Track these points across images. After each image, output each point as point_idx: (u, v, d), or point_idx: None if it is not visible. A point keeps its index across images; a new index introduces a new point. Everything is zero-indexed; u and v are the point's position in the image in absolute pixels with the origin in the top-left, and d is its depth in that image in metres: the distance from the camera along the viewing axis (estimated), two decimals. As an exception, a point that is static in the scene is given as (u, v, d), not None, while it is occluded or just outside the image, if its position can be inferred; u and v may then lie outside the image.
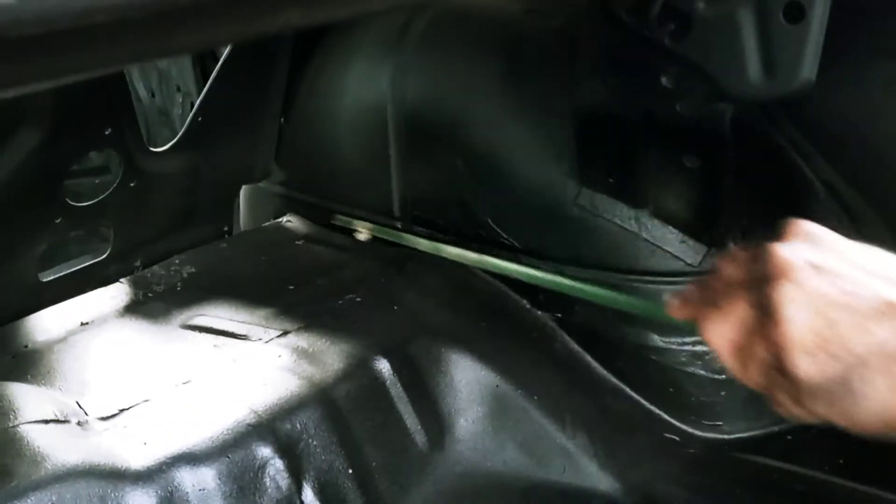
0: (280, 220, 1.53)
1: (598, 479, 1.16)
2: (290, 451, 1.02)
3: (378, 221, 1.41)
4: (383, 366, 1.14)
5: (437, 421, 1.17)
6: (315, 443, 1.05)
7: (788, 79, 0.91)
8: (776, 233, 0.63)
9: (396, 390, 1.15)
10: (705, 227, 1.16)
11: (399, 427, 1.14)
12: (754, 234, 1.24)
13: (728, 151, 1.04)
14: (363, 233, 1.42)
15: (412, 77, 1.34)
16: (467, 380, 1.20)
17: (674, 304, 0.71)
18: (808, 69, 0.90)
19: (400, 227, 1.40)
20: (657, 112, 1.02)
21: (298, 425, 1.05)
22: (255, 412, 1.03)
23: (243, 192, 1.66)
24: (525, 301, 1.32)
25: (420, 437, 1.15)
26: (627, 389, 1.26)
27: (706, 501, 1.13)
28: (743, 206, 1.24)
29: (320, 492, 1.03)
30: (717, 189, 1.10)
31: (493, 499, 1.15)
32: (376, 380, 1.13)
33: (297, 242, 1.46)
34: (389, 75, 1.35)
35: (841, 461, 1.19)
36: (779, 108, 1.30)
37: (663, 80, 0.99)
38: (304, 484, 1.02)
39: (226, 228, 1.57)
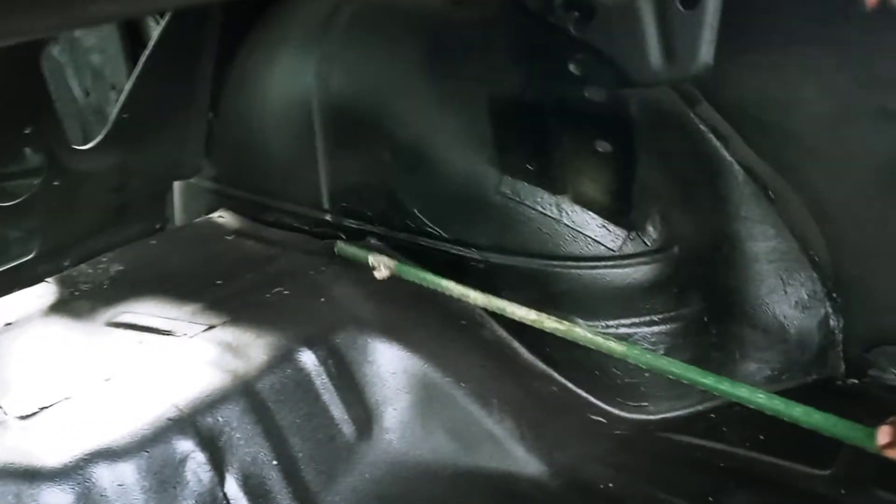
0: (211, 215, 1.53)
1: (526, 462, 1.18)
2: (212, 444, 1.02)
3: (308, 214, 1.41)
4: (308, 357, 1.15)
5: (364, 410, 1.18)
6: (238, 435, 1.05)
7: (687, 63, 0.92)
8: None
9: (322, 381, 1.15)
10: (624, 212, 1.18)
11: (325, 417, 1.15)
12: (674, 217, 1.27)
13: (637, 136, 1.06)
14: (382, 270, 1.32)
15: (337, 70, 1.34)
16: (395, 369, 1.21)
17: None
18: (706, 53, 0.92)
19: (331, 219, 1.41)
20: (567, 98, 1.03)
21: (220, 418, 1.05)
22: (177, 407, 1.03)
23: (177, 188, 1.65)
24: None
25: (347, 427, 1.16)
26: (555, 374, 1.28)
27: (631, 480, 1.15)
28: (662, 190, 1.26)
29: (244, 483, 1.03)
30: (631, 173, 1.12)
31: (422, 486, 1.16)
32: (301, 371, 1.14)
33: (227, 238, 1.46)
34: (314, 68, 1.35)
35: (762, 437, 1.21)
36: (697, 93, 1.34)
37: (571, 66, 1.00)
38: (228, 476, 1.02)
39: (158, 225, 1.56)
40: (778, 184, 1.36)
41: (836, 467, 1.15)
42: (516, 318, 1.18)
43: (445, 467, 1.18)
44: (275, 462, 1.07)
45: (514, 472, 1.18)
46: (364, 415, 1.18)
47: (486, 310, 1.26)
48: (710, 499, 1.11)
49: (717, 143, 1.31)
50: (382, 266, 1.29)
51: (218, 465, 1.02)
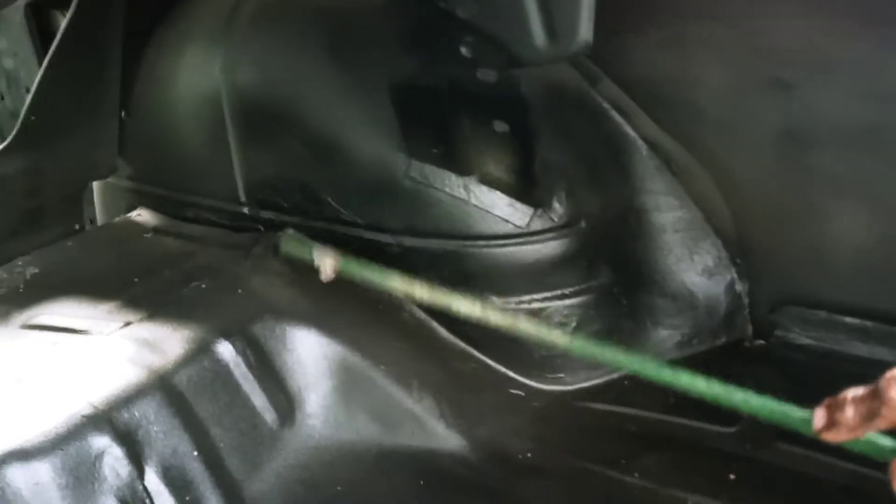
0: (130, 214, 1.53)
1: (446, 438, 1.21)
2: (129, 439, 1.03)
3: (225, 208, 1.42)
4: (225, 348, 1.16)
5: (286, 397, 1.20)
6: (156, 429, 1.06)
7: (569, 41, 0.95)
8: None
9: (241, 371, 1.16)
10: (529, 190, 1.21)
11: (246, 407, 1.16)
12: (580, 193, 1.31)
13: (533, 115, 1.09)
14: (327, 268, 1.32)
15: (243, 62, 1.35)
16: (315, 355, 1.23)
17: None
18: (585, 31, 0.95)
19: (248, 212, 1.42)
20: (462, 81, 1.06)
21: (137, 413, 1.05)
22: (92, 404, 1.04)
23: (96, 188, 1.64)
24: (372, 275, 1.35)
25: (270, 415, 1.18)
26: (473, 351, 1.31)
27: (548, 449, 1.19)
28: (567, 167, 1.30)
29: (165, 475, 1.04)
30: (531, 152, 1.15)
31: (346, 468, 1.18)
32: (218, 362, 1.15)
33: (145, 236, 1.46)
34: (221, 61, 1.36)
35: (672, 401, 1.26)
36: (598, 71, 1.37)
37: (462, 49, 1.03)
38: (147, 469, 1.03)
39: (77, 227, 1.55)
40: (681, 157, 1.41)
41: (741, 424, 1.20)
42: (462, 317, 1.17)
43: (369, 448, 1.21)
44: (196, 453, 1.08)
45: (435, 448, 1.21)
46: (286, 402, 1.20)
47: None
48: (623, 462, 1.15)
49: (620, 120, 1.35)
50: (327, 261, 1.27)
51: (136, 459, 1.03)
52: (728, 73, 1.36)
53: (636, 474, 1.12)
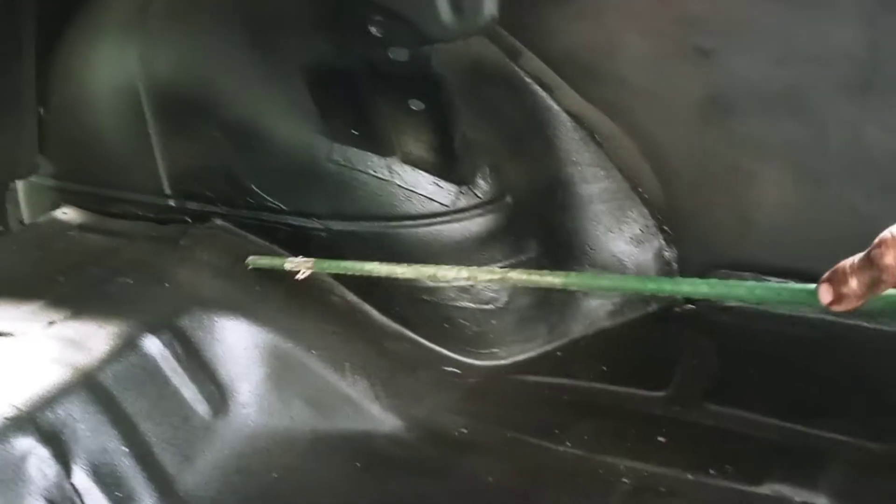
0: (54, 212, 1.50)
1: (382, 419, 1.21)
2: (55, 439, 1.02)
3: (151, 201, 1.41)
4: (151, 343, 1.15)
5: (218, 388, 1.19)
6: (83, 427, 1.05)
7: (474, 16, 0.96)
8: None
9: (169, 364, 1.15)
10: (452, 167, 1.22)
11: (177, 400, 1.15)
12: (504, 168, 1.32)
13: (447, 92, 1.09)
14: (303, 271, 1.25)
15: (159, 53, 1.33)
16: (245, 344, 1.23)
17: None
18: (490, 5, 0.96)
19: (174, 204, 1.40)
20: (374, 61, 1.06)
21: (62, 412, 1.04)
22: (14, 406, 1.02)
23: (21, 188, 1.61)
24: (302, 260, 1.35)
25: (202, 407, 1.17)
26: (406, 331, 1.32)
27: (483, 424, 1.20)
28: (490, 143, 1.30)
29: (94, 473, 1.03)
30: (450, 129, 1.15)
31: (282, 455, 1.18)
32: (145, 357, 1.14)
33: (70, 233, 1.44)
34: (137, 53, 1.34)
35: (604, 368, 1.28)
36: (519, 45, 1.38)
37: (372, 29, 1.02)
38: (74, 467, 1.02)
39: (1, 228, 1.53)
40: (606, 127, 1.42)
41: (671, 389, 1.22)
42: (450, 281, 1.15)
43: (305, 434, 1.21)
44: (126, 449, 1.07)
45: (371, 430, 1.21)
46: (218, 393, 1.19)
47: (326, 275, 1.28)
48: (556, 431, 1.17)
49: (543, 94, 1.36)
50: (302, 267, 1.23)
51: (63, 458, 1.01)
52: (648, 42, 1.38)
53: (568, 443, 1.14)
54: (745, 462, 1.07)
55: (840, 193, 1.29)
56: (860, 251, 0.64)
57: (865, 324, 1.28)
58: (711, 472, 1.06)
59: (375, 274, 1.16)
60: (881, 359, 1.18)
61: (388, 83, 1.08)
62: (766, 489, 1.03)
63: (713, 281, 0.78)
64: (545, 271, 1.02)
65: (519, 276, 1.04)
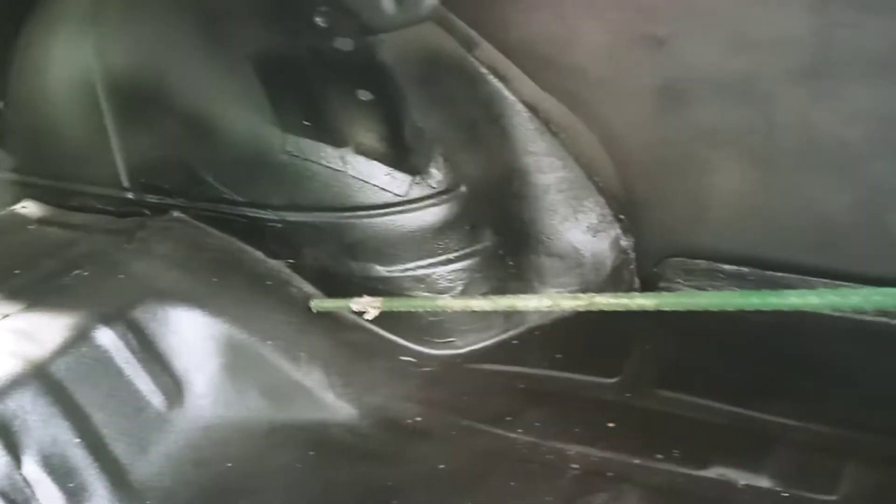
0: (14, 206, 1.50)
1: (336, 408, 1.22)
2: (4, 430, 1.02)
3: (110, 194, 1.41)
4: (105, 334, 1.15)
5: (173, 379, 1.20)
6: (34, 418, 1.05)
7: (417, 5, 0.96)
8: None
9: (123, 356, 1.16)
10: (405, 158, 1.22)
11: (130, 391, 1.15)
12: (459, 158, 1.32)
13: (394, 82, 1.09)
14: (370, 312, 1.28)
15: (114, 46, 1.33)
16: (201, 335, 1.23)
17: None
18: (430, -5, 0.96)
19: (132, 197, 1.41)
20: (321, 52, 1.06)
21: (12, 404, 1.04)
22: (-36, 399, 1.03)
23: (-16, 184, 1.61)
24: (259, 252, 1.35)
25: (156, 398, 1.17)
26: (363, 321, 1.32)
27: (437, 412, 1.21)
28: (444, 133, 1.31)
29: (45, 464, 1.03)
30: (401, 119, 1.16)
31: (237, 445, 1.18)
32: (99, 349, 1.14)
33: (29, 227, 1.44)
34: (92, 47, 1.34)
35: (558, 356, 1.29)
36: (475, 37, 1.38)
37: (317, 20, 1.02)
38: (25, 458, 1.02)
39: (-37, 223, 1.53)
40: (563, 117, 1.43)
41: (622, 375, 1.24)
42: (532, 310, 1.11)
43: (260, 424, 1.21)
44: (77, 440, 1.07)
45: (325, 419, 1.22)
46: (173, 384, 1.20)
47: (283, 266, 1.30)
48: (508, 419, 1.18)
49: (499, 84, 1.36)
50: (369, 308, 1.27)
51: (13, 449, 1.02)
52: (603, 31, 1.38)
53: (520, 430, 1.15)
54: (693, 446, 1.08)
55: (791, 179, 1.30)
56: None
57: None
58: (659, 456, 1.07)
59: (449, 308, 1.19)
60: (829, 343, 1.19)
61: (335, 74, 1.09)
62: (711, 472, 1.04)
63: (823, 291, 0.75)
64: (636, 293, 1.00)
65: (608, 300, 1.02)
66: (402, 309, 1.25)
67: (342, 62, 1.04)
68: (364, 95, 1.09)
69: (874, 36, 1.19)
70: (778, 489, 1.01)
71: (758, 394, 1.15)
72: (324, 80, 1.11)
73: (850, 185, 1.28)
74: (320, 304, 1.32)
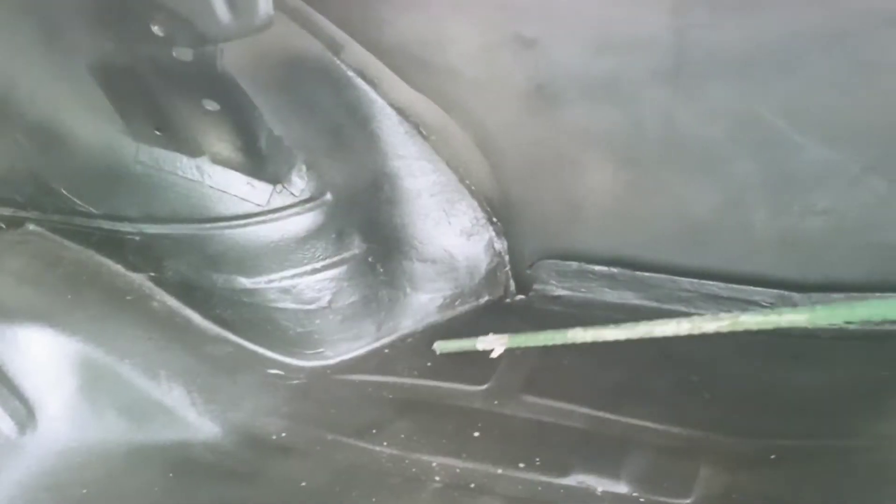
0: None
1: (198, 426, 1.18)
2: None
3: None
4: (-56, 359, 1.10)
5: (22, 403, 1.14)
6: None
7: (251, 15, 0.93)
8: None
9: (-34, 381, 1.11)
10: (264, 166, 1.19)
11: (-25, 418, 1.11)
12: (323, 165, 1.29)
13: (239, 91, 1.06)
14: (498, 349, 1.25)
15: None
16: (54, 355, 1.18)
17: None
18: (265, 4, 0.93)
19: None
20: (160, 61, 1.02)
21: None
22: None
23: None
24: (119, 266, 1.30)
25: (5, 423, 1.12)
26: (229, 334, 1.29)
27: (303, 427, 1.18)
28: (307, 140, 1.27)
29: None
30: (251, 128, 1.12)
31: (94, 469, 1.14)
32: (-63, 374, 1.09)
33: None
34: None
35: (429, 364, 1.28)
36: (341, 40, 1.35)
37: (154, 28, 0.98)
38: None
39: None
40: (436, 120, 1.41)
41: (491, 382, 1.23)
42: (670, 335, 1.02)
43: (119, 445, 1.17)
44: (-86, 474, 1.03)
45: (187, 438, 1.18)
46: (23, 407, 1.14)
47: (145, 279, 1.26)
48: (374, 431, 1.16)
49: (366, 87, 1.33)
50: (497, 345, 1.24)
51: None
52: (475, 32, 1.37)
53: (385, 442, 1.13)
54: (554, 453, 1.08)
55: (658, 179, 1.31)
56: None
57: (683, 308, 1.31)
58: (521, 465, 1.07)
59: (580, 340, 1.12)
60: (689, 343, 1.20)
61: (179, 84, 1.05)
62: (571, 480, 1.04)
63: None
64: (785, 309, 0.95)
65: (754, 318, 0.94)
66: (531, 344, 1.21)
67: (182, 72, 1.00)
68: (210, 105, 1.05)
69: (731, 35, 1.20)
70: (635, 494, 1.02)
71: (617, 396, 1.15)
72: (168, 90, 1.07)
73: (716, 184, 1.29)
74: (444, 345, 1.29)
